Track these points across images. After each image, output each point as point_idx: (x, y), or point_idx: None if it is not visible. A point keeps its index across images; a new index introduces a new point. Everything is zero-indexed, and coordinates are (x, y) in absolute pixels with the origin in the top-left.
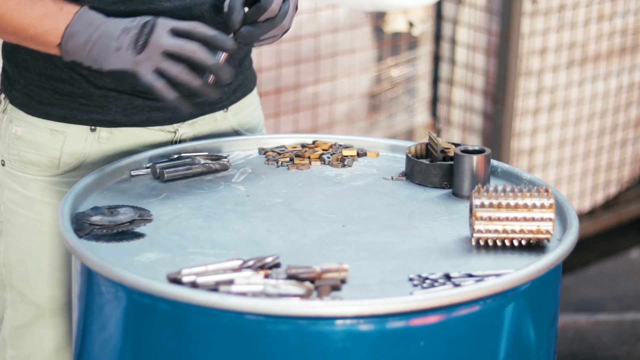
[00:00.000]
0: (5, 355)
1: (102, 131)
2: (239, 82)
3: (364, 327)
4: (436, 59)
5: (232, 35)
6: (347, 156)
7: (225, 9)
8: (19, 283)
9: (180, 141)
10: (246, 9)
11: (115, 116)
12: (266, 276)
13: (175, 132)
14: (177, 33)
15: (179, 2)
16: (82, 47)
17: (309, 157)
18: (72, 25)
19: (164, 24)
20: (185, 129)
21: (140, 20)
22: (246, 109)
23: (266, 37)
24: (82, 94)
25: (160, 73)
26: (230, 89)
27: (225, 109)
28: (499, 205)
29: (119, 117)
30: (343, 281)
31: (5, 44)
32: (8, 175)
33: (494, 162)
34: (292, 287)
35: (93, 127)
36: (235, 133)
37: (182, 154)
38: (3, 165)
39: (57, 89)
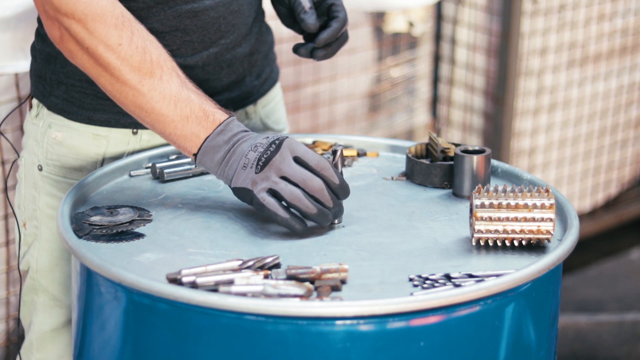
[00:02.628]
0: (30, 359)
1: (144, 134)
2: (267, 74)
3: (364, 327)
4: (436, 59)
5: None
6: (347, 156)
7: (298, 11)
8: (54, 288)
9: None
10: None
11: None
12: (266, 276)
13: None
14: (300, 162)
15: None
16: (217, 164)
17: None
18: (211, 139)
19: (291, 148)
20: None
21: (272, 137)
22: (272, 101)
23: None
24: None
25: (274, 193)
26: (259, 81)
27: (254, 103)
28: (499, 206)
29: None
30: (343, 281)
31: (42, 50)
32: (46, 180)
33: (494, 162)
34: (292, 288)
35: (135, 130)
36: (264, 126)
37: (182, 154)
38: (40, 170)
39: (99, 94)
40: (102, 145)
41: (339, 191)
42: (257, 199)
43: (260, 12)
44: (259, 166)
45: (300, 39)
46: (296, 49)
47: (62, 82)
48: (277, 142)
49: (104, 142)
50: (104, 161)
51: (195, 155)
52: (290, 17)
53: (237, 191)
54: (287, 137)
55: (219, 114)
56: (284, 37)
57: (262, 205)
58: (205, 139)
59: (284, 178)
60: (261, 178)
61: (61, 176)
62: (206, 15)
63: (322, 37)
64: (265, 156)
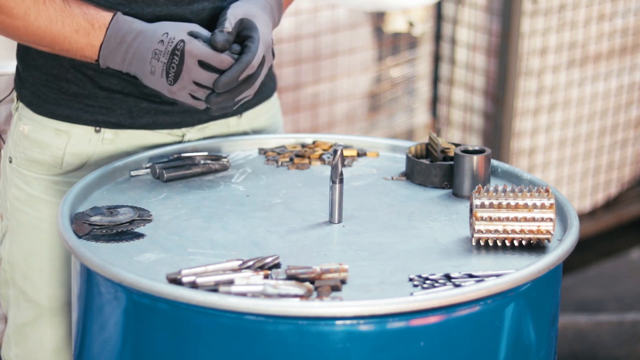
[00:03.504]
0: (9, 354)
1: (107, 132)
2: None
3: (364, 327)
4: (436, 59)
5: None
6: (347, 156)
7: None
8: (21, 281)
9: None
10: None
11: (120, 118)
12: (266, 276)
13: (182, 136)
14: (205, 64)
15: (187, 7)
16: (120, 66)
17: (309, 157)
18: (105, 45)
19: (192, 54)
20: (193, 133)
21: (168, 43)
22: (264, 115)
23: (241, 97)
24: (87, 95)
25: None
26: None
27: (239, 115)
28: (499, 206)
29: (124, 119)
30: (343, 281)
31: (20, 43)
32: (15, 173)
33: (494, 162)
34: (292, 288)
35: (97, 128)
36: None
37: (182, 154)
38: (10, 162)
39: (62, 89)
40: (63, 140)
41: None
42: (186, 105)
43: None
44: (169, 78)
45: (298, 33)
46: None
47: (32, 75)
48: (177, 52)
49: (65, 137)
50: (64, 157)
51: (97, 61)
52: None
53: (152, 89)
54: (183, 43)
55: (101, 19)
56: (284, 37)
57: (194, 108)
58: (100, 47)
59: (196, 83)
60: (178, 88)
61: (26, 169)
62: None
63: (219, 81)
64: (172, 68)
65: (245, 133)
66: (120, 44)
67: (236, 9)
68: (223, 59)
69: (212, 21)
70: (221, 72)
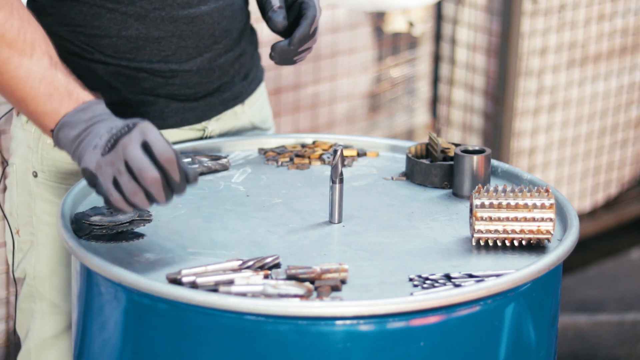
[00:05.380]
0: None
1: None
2: (253, 74)
3: (364, 327)
4: (436, 59)
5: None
6: (347, 156)
7: (271, 12)
8: (51, 294)
9: (209, 137)
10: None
11: (153, 120)
12: (266, 276)
13: (204, 129)
14: (147, 148)
15: (214, 5)
16: (71, 142)
17: (309, 157)
18: (70, 115)
19: (143, 132)
20: (212, 125)
21: (131, 120)
22: (258, 101)
23: (304, 50)
24: (120, 102)
25: (117, 184)
26: (247, 82)
27: (242, 102)
28: (499, 206)
29: (157, 121)
30: (343, 281)
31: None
32: (42, 187)
33: (494, 162)
34: (292, 288)
35: None
36: (252, 125)
37: (182, 154)
38: (36, 176)
39: None
40: None
41: (177, 189)
42: (102, 188)
43: (247, 15)
44: (106, 148)
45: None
46: (271, 56)
47: None
48: (132, 124)
49: None
50: None
51: (52, 131)
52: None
53: (83, 172)
54: (145, 121)
55: (84, 95)
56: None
57: (107, 198)
58: (64, 115)
59: (126, 163)
60: (106, 162)
61: (57, 182)
62: (202, 21)
63: (295, 37)
64: (114, 138)
65: (249, 120)
66: (87, 121)
67: None
68: (164, 152)
69: (232, 17)
70: (155, 162)
